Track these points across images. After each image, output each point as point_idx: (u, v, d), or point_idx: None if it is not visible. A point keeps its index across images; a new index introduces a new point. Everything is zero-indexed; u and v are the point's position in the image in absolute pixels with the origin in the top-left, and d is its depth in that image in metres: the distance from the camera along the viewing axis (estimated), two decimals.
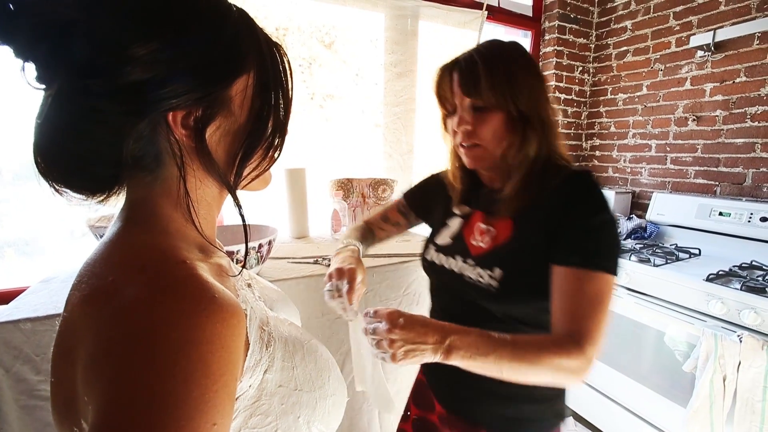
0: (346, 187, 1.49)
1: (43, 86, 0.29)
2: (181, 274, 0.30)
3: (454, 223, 0.74)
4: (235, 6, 0.36)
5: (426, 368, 0.80)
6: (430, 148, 1.82)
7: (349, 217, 1.49)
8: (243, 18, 0.36)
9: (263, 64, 0.36)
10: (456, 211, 0.75)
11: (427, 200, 0.85)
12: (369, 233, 0.90)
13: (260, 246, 0.88)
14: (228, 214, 1.40)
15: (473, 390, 0.68)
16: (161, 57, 0.29)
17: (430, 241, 0.77)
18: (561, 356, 0.53)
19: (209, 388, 0.26)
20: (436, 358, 0.52)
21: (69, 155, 0.31)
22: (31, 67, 0.29)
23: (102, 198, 0.35)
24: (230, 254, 0.82)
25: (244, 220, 0.37)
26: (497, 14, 1.90)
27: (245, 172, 0.38)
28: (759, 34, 1.52)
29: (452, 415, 0.72)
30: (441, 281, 0.74)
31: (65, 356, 0.31)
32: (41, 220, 1.29)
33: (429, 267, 0.75)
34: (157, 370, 0.25)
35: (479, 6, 1.77)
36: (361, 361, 0.66)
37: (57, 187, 0.32)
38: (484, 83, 0.61)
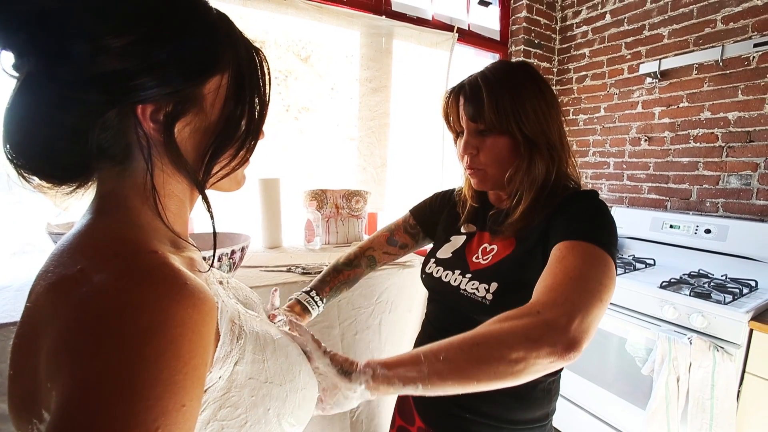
0: (320, 197, 1.50)
1: (19, 74, 0.30)
2: (153, 262, 0.30)
3: (458, 240, 0.75)
4: (215, 9, 0.37)
5: None
6: (402, 163, 1.87)
7: (323, 227, 1.49)
8: (222, 20, 0.37)
9: (240, 66, 0.37)
10: (462, 229, 0.76)
11: (434, 217, 0.85)
12: (358, 269, 0.84)
13: (233, 252, 0.87)
14: (198, 223, 1.37)
15: (456, 406, 0.66)
16: (135, 50, 0.30)
17: (431, 254, 0.78)
18: (517, 331, 0.44)
19: (179, 370, 0.26)
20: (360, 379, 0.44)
21: (35, 141, 0.31)
22: (8, 55, 0.29)
23: (71, 189, 0.35)
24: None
25: (212, 217, 0.37)
26: (467, 37, 2.01)
27: (214, 170, 0.39)
28: (696, 65, 1.69)
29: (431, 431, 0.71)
30: (437, 293, 0.74)
31: (27, 346, 0.30)
32: None
33: (427, 278, 0.75)
34: (126, 351, 0.25)
35: (450, 28, 1.87)
36: None
37: (26, 176, 0.32)
38: (488, 109, 0.61)
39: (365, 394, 0.44)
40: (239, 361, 0.36)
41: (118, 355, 0.25)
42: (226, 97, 0.37)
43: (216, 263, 0.84)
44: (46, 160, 0.32)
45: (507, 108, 0.61)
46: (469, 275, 0.67)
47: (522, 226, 0.64)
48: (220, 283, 0.46)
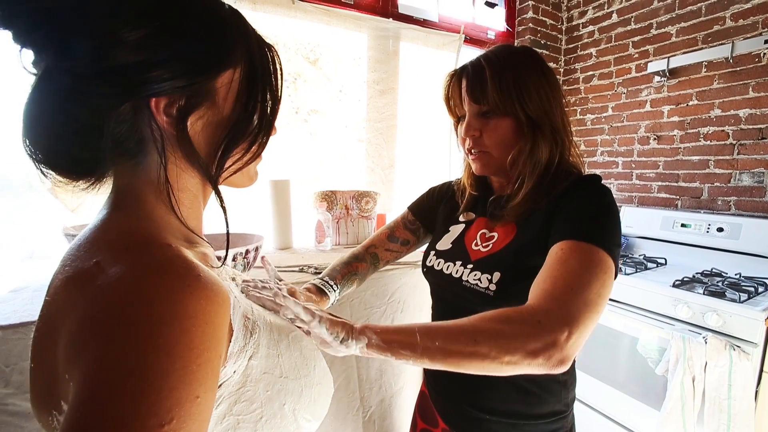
0: (329, 199, 1.50)
1: (37, 70, 0.30)
2: (167, 254, 0.31)
3: (456, 230, 0.73)
4: (227, 4, 0.37)
5: (429, 381, 0.79)
6: (410, 164, 1.87)
7: (333, 228, 1.50)
8: (234, 15, 0.37)
9: (252, 61, 0.38)
10: (461, 218, 0.75)
11: (431, 210, 0.84)
12: (364, 263, 0.82)
13: (247, 252, 0.87)
14: (208, 222, 1.38)
15: (475, 410, 0.66)
16: (149, 43, 0.30)
17: (430, 247, 0.76)
18: (517, 338, 0.44)
19: (193, 361, 0.26)
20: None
21: (51, 135, 0.31)
22: (28, 52, 0.30)
23: (88, 185, 0.35)
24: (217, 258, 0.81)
25: (225, 212, 0.37)
26: (474, 38, 2.01)
27: (227, 165, 0.38)
28: (705, 63, 1.69)
29: None
30: (440, 286, 0.73)
31: (46, 339, 0.31)
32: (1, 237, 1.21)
33: (428, 272, 0.74)
34: (140, 342, 0.25)
35: (457, 30, 1.88)
36: None
37: (43, 170, 0.32)
38: (491, 88, 0.60)
39: (356, 353, 0.44)
40: (254, 356, 0.36)
41: (131, 346, 0.25)
42: (238, 92, 0.37)
43: (230, 262, 0.85)
44: (64, 154, 0.33)
45: (510, 88, 0.60)
46: (470, 266, 0.65)
47: (523, 210, 0.63)
48: (233, 279, 0.46)
